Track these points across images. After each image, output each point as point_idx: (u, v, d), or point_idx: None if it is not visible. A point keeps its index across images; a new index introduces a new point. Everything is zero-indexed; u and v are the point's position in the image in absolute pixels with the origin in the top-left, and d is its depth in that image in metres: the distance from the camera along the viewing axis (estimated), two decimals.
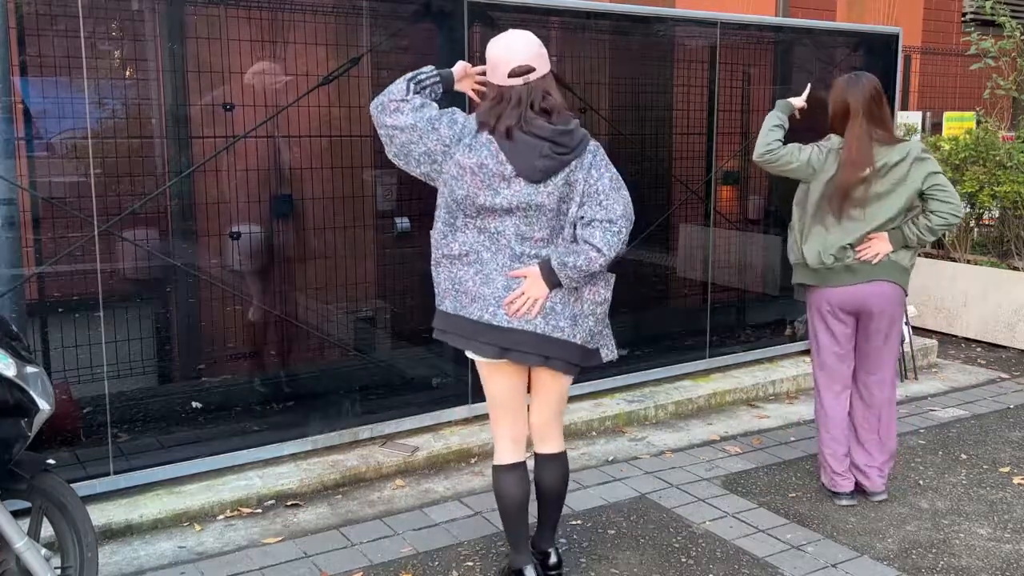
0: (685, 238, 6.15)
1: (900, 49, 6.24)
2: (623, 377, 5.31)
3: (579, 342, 3.07)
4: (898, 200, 3.80)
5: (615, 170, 3.04)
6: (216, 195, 4.63)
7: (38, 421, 2.69)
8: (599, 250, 2.94)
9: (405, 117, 2.99)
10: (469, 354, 3.12)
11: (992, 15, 8.04)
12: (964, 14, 11.26)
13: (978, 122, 7.86)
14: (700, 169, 5.95)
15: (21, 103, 4.08)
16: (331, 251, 4.93)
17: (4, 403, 2.59)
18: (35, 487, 2.76)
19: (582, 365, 3.14)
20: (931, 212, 3.79)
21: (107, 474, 3.87)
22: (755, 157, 3.97)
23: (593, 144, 3.04)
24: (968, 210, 7.15)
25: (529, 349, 3.02)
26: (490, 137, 2.96)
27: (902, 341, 5.99)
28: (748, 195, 6.54)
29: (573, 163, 2.97)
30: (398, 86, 3.03)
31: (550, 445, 3.27)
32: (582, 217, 2.99)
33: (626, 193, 3.01)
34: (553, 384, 3.19)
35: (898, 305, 3.94)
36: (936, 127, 8.77)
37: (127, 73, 4.53)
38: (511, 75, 2.95)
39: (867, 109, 3.79)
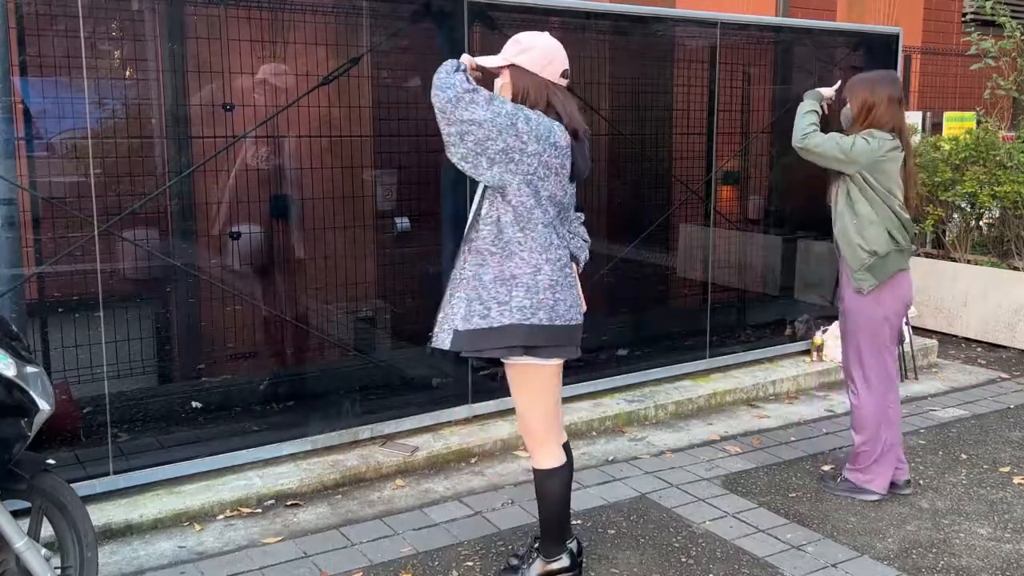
0: (685, 238, 6.15)
1: (900, 49, 6.23)
2: (623, 377, 5.31)
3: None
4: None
5: None
6: (216, 195, 4.64)
7: (38, 421, 2.69)
8: (589, 239, 3.28)
9: (481, 110, 2.77)
10: (536, 360, 3.02)
11: (992, 15, 8.04)
12: (964, 14, 11.26)
13: (978, 122, 7.86)
14: (700, 169, 5.95)
15: (21, 103, 4.08)
16: (331, 251, 4.93)
17: (4, 403, 2.59)
18: (35, 487, 2.76)
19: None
20: None
21: (107, 474, 3.87)
22: (794, 143, 4.07)
23: None
24: (968, 210, 7.15)
25: (570, 342, 3.05)
26: (562, 133, 2.95)
27: (901, 341, 6.01)
28: (748, 195, 6.54)
29: None
30: (457, 77, 2.79)
31: (563, 432, 3.32)
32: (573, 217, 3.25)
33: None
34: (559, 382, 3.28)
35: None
36: (936, 127, 8.77)
37: (127, 73, 4.53)
38: (563, 75, 3.01)
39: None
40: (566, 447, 3.27)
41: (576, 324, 3.03)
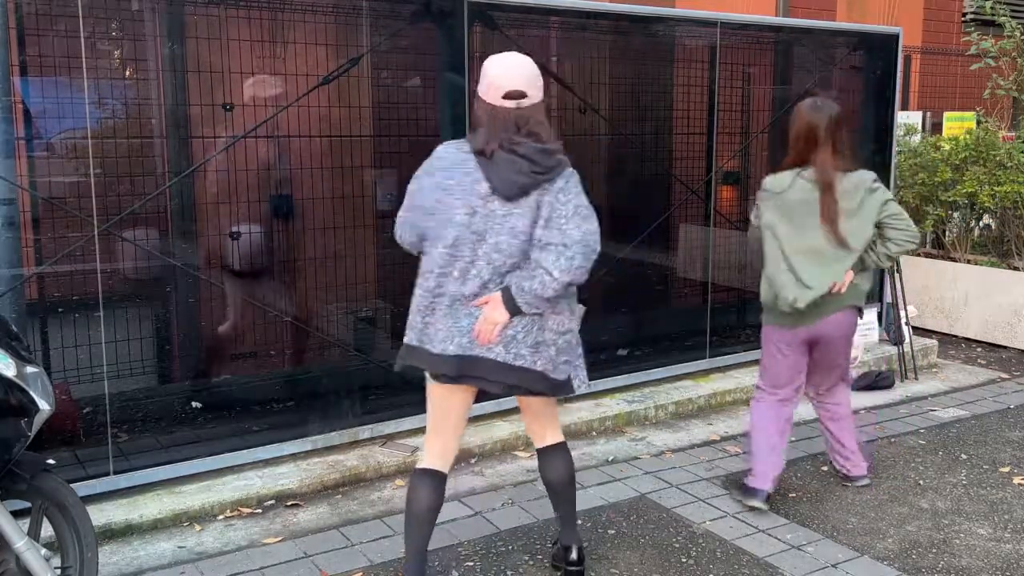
0: (685, 238, 6.15)
1: (900, 49, 6.23)
2: (623, 377, 5.31)
3: (540, 369, 3.03)
4: (862, 227, 3.82)
5: (586, 200, 2.98)
6: (216, 195, 4.63)
7: (38, 421, 2.69)
8: (550, 273, 2.88)
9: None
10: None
11: (992, 15, 8.04)
12: (964, 14, 11.26)
13: (978, 122, 7.86)
14: (700, 169, 5.95)
15: (21, 103, 4.08)
16: (331, 251, 4.93)
17: (4, 403, 2.59)
18: (35, 487, 2.76)
19: (551, 393, 3.12)
20: (888, 240, 3.85)
21: (107, 474, 3.87)
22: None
23: (569, 171, 3.00)
24: (968, 210, 7.15)
25: (491, 376, 3.01)
26: (467, 156, 2.98)
27: (901, 341, 6.01)
28: (748, 195, 6.54)
29: (545, 184, 2.94)
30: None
31: (549, 437, 3.31)
32: (539, 239, 2.94)
33: (593, 224, 2.95)
34: (532, 402, 3.24)
35: (853, 326, 4.05)
36: (936, 127, 8.77)
37: (127, 73, 4.53)
38: (505, 97, 2.96)
39: (830, 136, 3.81)
40: (556, 447, 3.28)
41: (444, 355, 2.98)
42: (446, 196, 2.98)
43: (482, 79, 3.03)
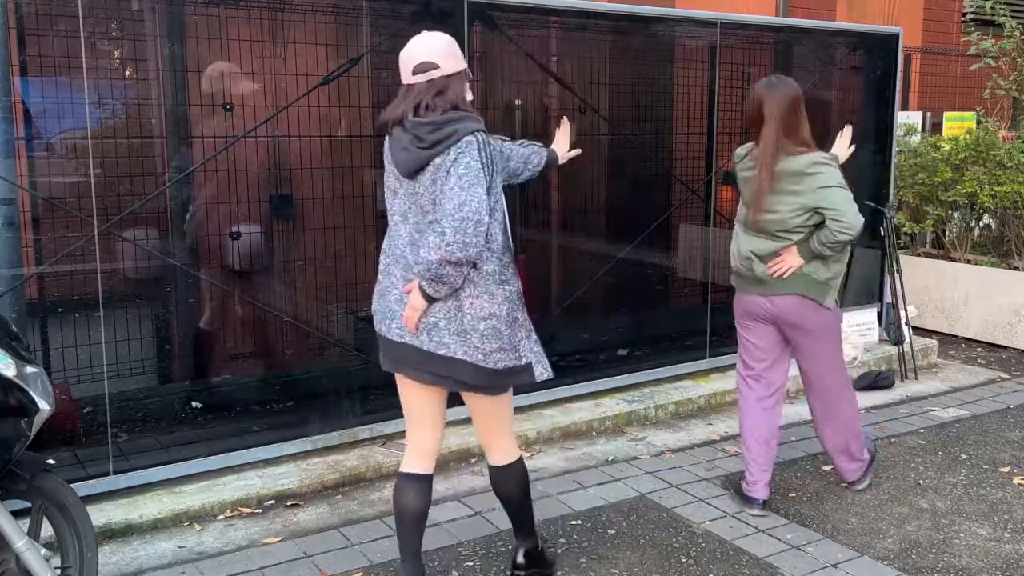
0: (685, 238, 6.15)
1: (900, 49, 6.23)
2: (623, 377, 5.31)
3: (469, 360, 2.88)
4: (789, 211, 3.72)
5: (476, 166, 2.77)
6: (216, 195, 4.63)
7: (38, 421, 2.69)
8: (428, 251, 2.75)
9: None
10: None
11: (992, 15, 8.04)
12: (964, 14, 11.25)
13: (978, 122, 7.86)
14: (700, 169, 5.95)
15: (21, 103, 4.08)
16: (331, 251, 4.93)
17: (4, 403, 2.59)
18: (35, 487, 2.76)
19: (488, 385, 2.97)
20: (828, 229, 3.66)
21: (107, 474, 3.87)
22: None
23: (467, 139, 2.80)
24: (968, 210, 7.15)
25: (417, 365, 2.95)
26: (387, 139, 2.99)
27: (901, 341, 6.01)
28: None
29: (437, 160, 2.81)
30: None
31: (493, 457, 3.19)
32: (428, 219, 2.85)
33: (471, 193, 2.73)
34: (473, 403, 3.11)
35: (816, 319, 3.84)
36: (936, 127, 8.77)
37: (127, 73, 4.53)
38: (414, 72, 2.90)
39: (781, 115, 3.72)
40: (502, 468, 3.16)
41: (379, 333, 2.99)
42: (388, 179, 3.02)
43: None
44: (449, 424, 4.68)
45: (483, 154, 2.81)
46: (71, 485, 2.90)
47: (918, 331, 6.72)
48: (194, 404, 4.60)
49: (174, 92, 4.53)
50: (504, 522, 3.82)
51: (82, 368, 4.23)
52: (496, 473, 3.19)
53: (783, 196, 3.72)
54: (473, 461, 4.48)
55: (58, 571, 2.79)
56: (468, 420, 4.70)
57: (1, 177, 3.77)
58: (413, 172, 2.86)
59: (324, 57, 4.68)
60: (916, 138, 7.63)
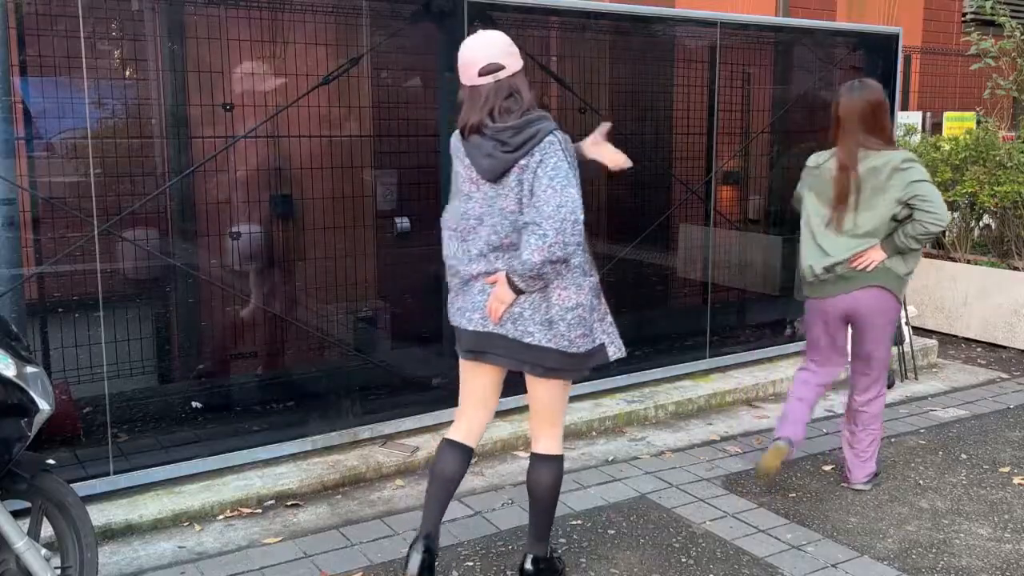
0: (685, 238, 6.15)
1: (900, 49, 6.24)
2: (623, 377, 5.31)
3: (554, 347, 3.01)
4: (880, 209, 3.86)
5: (564, 166, 2.89)
6: (216, 195, 4.63)
7: (38, 421, 2.68)
8: (530, 253, 2.85)
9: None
10: None
11: (992, 15, 8.04)
12: (964, 14, 11.26)
13: (978, 122, 7.86)
14: (700, 169, 5.95)
15: (21, 103, 4.08)
16: (331, 251, 4.93)
17: (4, 403, 2.59)
18: (35, 487, 2.76)
19: (571, 369, 3.10)
20: (917, 221, 3.81)
21: (107, 474, 3.87)
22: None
23: (550, 139, 2.91)
24: (968, 210, 7.15)
25: (501, 353, 3.09)
26: (458, 143, 3.08)
27: (901, 341, 6.01)
28: (748, 195, 6.54)
29: (522, 162, 2.91)
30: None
31: (540, 445, 3.25)
32: (522, 219, 2.95)
33: (567, 194, 2.84)
34: (538, 389, 3.18)
35: (887, 311, 3.99)
36: (936, 127, 8.77)
37: (127, 73, 4.53)
38: (481, 73, 2.97)
39: (861, 117, 3.88)
40: (544, 458, 3.22)
41: (464, 329, 3.14)
42: (453, 185, 3.15)
43: (459, 67, 3.04)
44: (447, 425, 4.69)
45: (566, 153, 2.95)
46: (71, 485, 2.90)
47: (918, 331, 6.72)
48: (194, 404, 4.60)
49: (174, 92, 4.53)
50: (504, 522, 3.83)
51: (82, 368, 4.23)
52: (538, 462, 3.24)
53: (876, 194, 3.85)
54: (473, 461, 4.47)
55: (58, 571, 2.79)
56: None
57: (1, 177, 3.77)
58: (499, 176, 2.96)
59: (324, 57, 4.69)
60: (916, 138, 7.63)
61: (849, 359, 4.19)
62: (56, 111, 4.19)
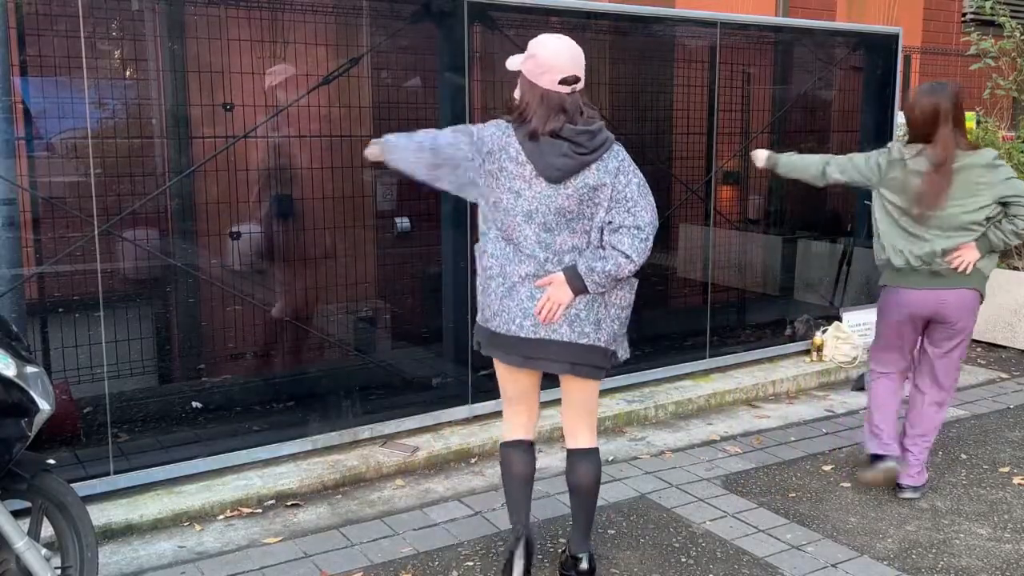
0: (685, 238, 6.15)
1: (900, 49, 6.24)
2: (623, 377, 5.31)
3: (603, 345, 3.09)
4: (974, 207, 3.82)
5: (641, 175, 3.04)
6: (216, 195, 4.63)
7: (38, 421, 2.68)
8: (628, 256, 2.95)
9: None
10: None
11: (992, 15, 8.04)
12: (964, 14, 11.25)
13: (978, 122, 7.85)
14: (700, 169, 5.95)
15: (21, 103, 4.08)
16: (331, 251, 4.93)
17: (4, 403, 2.59)
18: (35, 487, 2.76)
19: (609, 366, 3.18)
20: (1015, 216, 3.80)
21: (107, 474, 3.87)
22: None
23: (617, 147, 3.04)
24: None
25: (556, 358, 3.08)
26: (510, 140, 3.00)
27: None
28: (748, 195, 6.54)
29: (594, 165, 2.97)
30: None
31: (580, 440, 3.29)
32: (610, 222, 2.98)
33: (652, 199, 3.03)
34: (579, 388, 3.21)
35: (973, 313, 3.97)
36: None
37: (127, 73, 4.53)
38: (562, 82, 2.97)
39: (955, 115, 3.87)
40: (586, 452, 3.27)
41: (505, 334, 3.06)
42: (493, 181, 3.04)
43: (530, 59, 3.01)
44: (448, 424, 4.70)
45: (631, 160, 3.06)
46: (71, 485, 2.90)
47: None
48: (194, 404, 4.61)
49: (174, 92, 4.53)
50: (504, 522, 3.82)
51: (82, 368, 4.23)
52: (582, 456, 3.27)
53: (969, 192, 3.82)
54: (473, 461, 4.48)
55: (58, 571, 2.79)
56: (466, 421, 4.73)
57: (1, 177, 3.77)
58: (564, 177, 2.97)
59: (324, 57, 4.69)
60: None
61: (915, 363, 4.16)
62: (56, 111, 4.19)
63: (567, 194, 2.98)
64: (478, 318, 3.19)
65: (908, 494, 4.13)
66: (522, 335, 3.04)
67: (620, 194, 2.98)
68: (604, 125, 3.04)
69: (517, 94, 3.07)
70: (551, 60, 2.98)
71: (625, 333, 3.23)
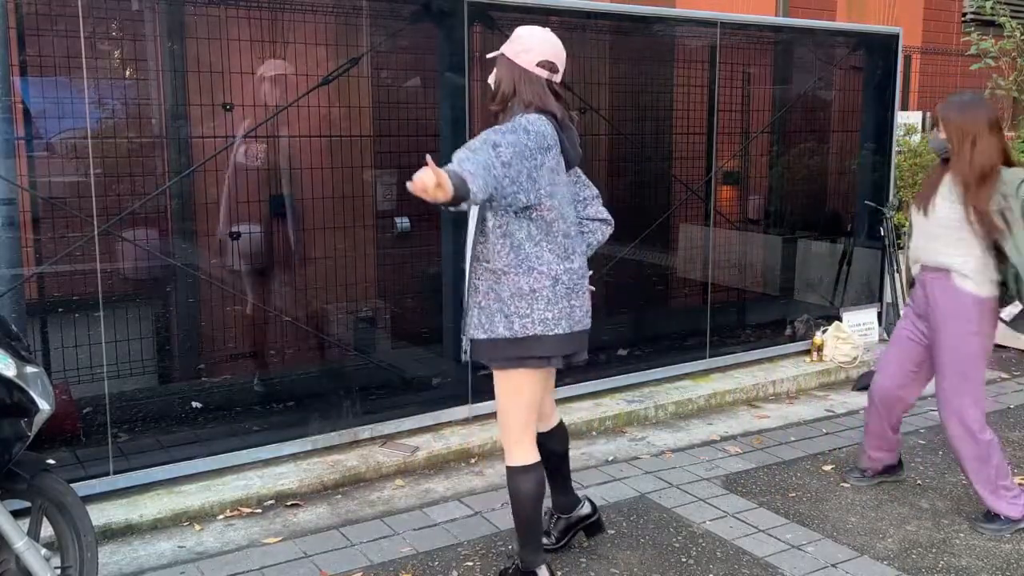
0: (685, 238, 6.15)
1: (900, 49, 6.23)
2: (623, 377, 5.31)
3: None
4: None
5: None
6: (216, 195, 4.64)
7: (38, 421, 2.69)
8: (608, 223, 3.21)
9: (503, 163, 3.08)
10: (542, 365, 3.08)
11: (992, 15, 8.04)
12: (964, 14, 11.24)
13: None
14: (700, 169, 5.95)
15: (21, 103, 4.08)
16: (331, 251, 4.93)
17: (4, 403, 2.59)
18: (35, 487, 2.76)
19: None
20: None
21: (107, 474, 3.87)
22: None
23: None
24: None
25: (580, 348, 3.15)
26: (554, 130, 2.99)
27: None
28: (748, 195, 6.54)
29: None
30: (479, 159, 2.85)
31: (554, 418, 3.45)
32: (585, 198, 3.20)
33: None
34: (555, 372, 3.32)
35: None
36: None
37: (127, 73, 4.53)
38: (540, 65, 3.01)
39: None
40: (559, 424, 3.45)
41: (587, 328, 3.15)
42: (555, 176, 3.02)
43: (512, 41, 3.05)
44: (448, 424, 4.70)
45: None
46: (71, 485, 2.90)
47: None
48: (194, 404, 4.61)
49: (174, 92, 4.53)
50: (504, 522, 3.82)
51: (82, 368, 4.23)
52: (557, 427, 3.44)
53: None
54: (473, 461, 4.48)
55: (58, 571, 2.79)
56: (466, 421, 4.72)
57: (1, 177, 3.77)
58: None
59: (324, 57, 4.69)
60: (916, 138, 7.62)
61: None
62: (56, 111, 4.19)
63: (573, 180, 3.18)
64: (560, 327, 3.01)
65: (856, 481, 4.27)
66: (579, 329, 3.10)
67: (576, 176, 3.22)
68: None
69: (492, 79, 3.08)
70: (530, 41, 3.03)
71: None
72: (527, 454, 3.16)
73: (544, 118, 2.97)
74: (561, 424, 3.48)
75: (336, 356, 5.11)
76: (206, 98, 4.50)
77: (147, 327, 4.63)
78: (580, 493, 3.60)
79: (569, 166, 3.11)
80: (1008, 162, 3.70)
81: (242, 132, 4.55)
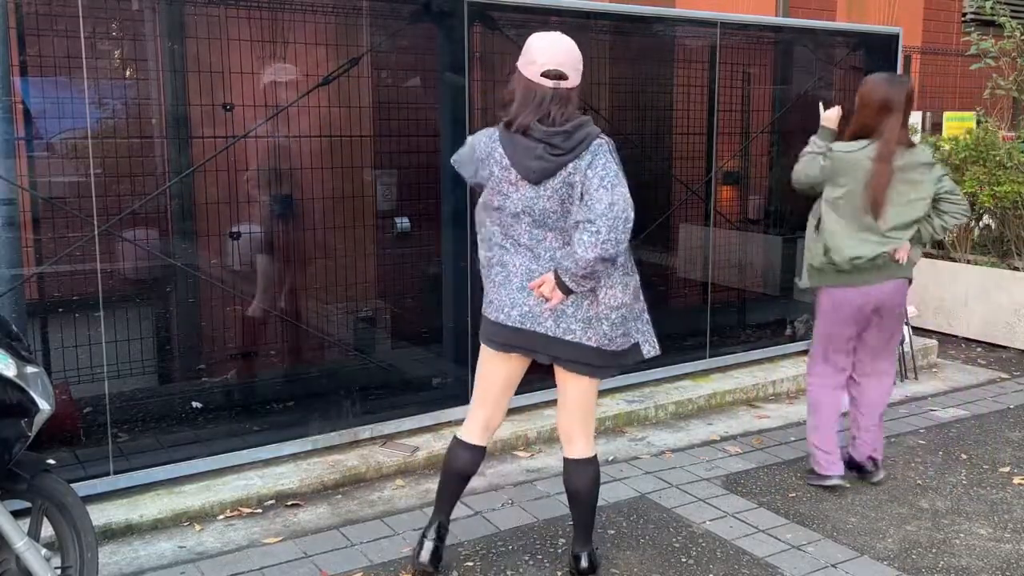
0: (685, 238, 6.15)
1: (900, 49, 6.24)
2: (623, 377, 5.30)
3: (594, 344, 3.08)
4: (917, 204, 3.94)
5: (613, 167, 2.94)
6: (216, 195, 4.64)
7: (38, 421, 2.68)
8: (580, 250, 2.87)
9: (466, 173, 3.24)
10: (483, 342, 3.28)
11: (992, 15, 8.04)
12: (964, 14, 11.25)
13: (978, 122, 7.86)
14: (700, 169, 5.95)
15: (21, 103, 4.08)
16: (331, 251, 4.93)
17: (4, 403, 2.59)
18: (35, 487, 2.76)
19: (606, 366, 3.17)
20: (944, 213, 4.01)
21: (107, 474, 3.87)
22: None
23: (597, 142, 2.97)
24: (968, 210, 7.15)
25: (539, 348, 3.12)
26: (495, 145, 3.05)
27: (901, 341, 6.01)
28: (748, 195, 6.54)
29: (571, 164, 2.96)
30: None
31: (576, 449, 3.28)
32: (574, 218, 2.98)
33: (618, 192, 2.89)
34: (572, 386, 3.21)
35: (904, 299, 4.14)
36: (936, 127, 8.76)
37: (127, 73, 4.53)
38: (544, 75, 2.98)
39: (905, 110, 3.91)
40: (582, 462, 3.28)
41: (496, 321, 3.14)
42: (489, 184, 3.09)
43: (524, 53, 3.05)
44: (448, 424, 4.70)
45: (614, 154, 3.00)
46: (71, 485, 2.90)
47: (918, 331, 6.72)
48: (194, 404, 4.60)
49: (174, 92, 4.53)
50: (504, 522, 3.83)
51: (82, 368, 4.23)
52: (576, 466, 3.28)
53: (910, 188, 3.91)
54: None
55: (58, 571, 2.79)
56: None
57: (1, 177, 3.77)
58: (543, 178, 2.98)
59: (324, 57, 4.69)
60: (916, 138, 7.62)
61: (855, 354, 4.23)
62: (56, 111, 4.19)
63: (547, 195, 3.00)
64: (486, 310, 3.23)
65: (880, 476, 4.27)
66: (508, 323, 3.10)
67: (583, 189, 2.94)
68: (585, 123, 2.99)
69: (509, 87, 3.11)
70: (536, 52, 3.01)
71: (647, 329, 3.29)
72: (467, 430, 3.35)
73: (487, 131, 3.11)
74: (583, 461, 3.25)
75: (336, 356, 5.11)
76: (206, 98, 4.50)
77: (147, 327, 4.63)
78: (590, 549, 3.37)
79: (525, 177, 2.99)
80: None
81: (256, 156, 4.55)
